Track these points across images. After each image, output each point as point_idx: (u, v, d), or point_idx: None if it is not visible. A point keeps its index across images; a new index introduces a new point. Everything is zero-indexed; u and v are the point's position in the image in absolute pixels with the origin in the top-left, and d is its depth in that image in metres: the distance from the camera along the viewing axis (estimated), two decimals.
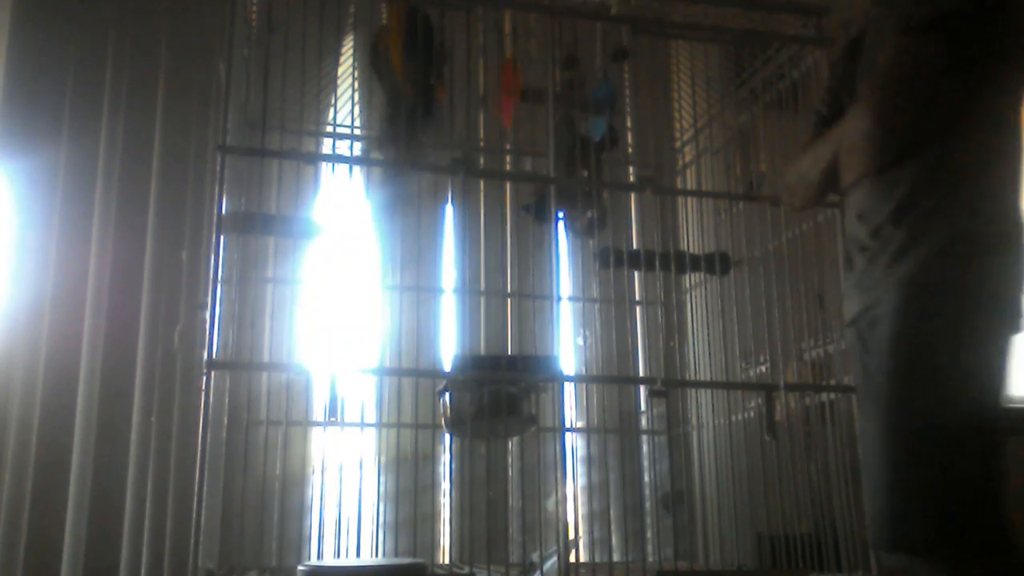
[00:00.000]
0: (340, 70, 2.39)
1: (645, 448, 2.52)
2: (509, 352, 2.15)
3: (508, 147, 2.54)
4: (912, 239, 1.54)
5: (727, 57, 2.52)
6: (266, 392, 2.07)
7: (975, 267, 1.49)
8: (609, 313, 2.34)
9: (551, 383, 2.10)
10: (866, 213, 1.62)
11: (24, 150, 2.44)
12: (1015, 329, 1.51)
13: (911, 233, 1.54)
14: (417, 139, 2.20)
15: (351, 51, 2.39)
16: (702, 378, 2.39)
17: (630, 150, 2.60)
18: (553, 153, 2.18)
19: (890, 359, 1.50)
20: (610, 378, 2.43)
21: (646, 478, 2.52)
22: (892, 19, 1.58)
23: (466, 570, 2.06)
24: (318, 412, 2.20)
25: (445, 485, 2.30)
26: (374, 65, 2.26)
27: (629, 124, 2.58)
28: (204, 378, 1.88)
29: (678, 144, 2.67)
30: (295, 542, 2.05)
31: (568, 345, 2.42)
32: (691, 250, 2.39)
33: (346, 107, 2.46)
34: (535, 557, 2.15)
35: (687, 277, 2.48)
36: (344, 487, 2.17)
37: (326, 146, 2.48)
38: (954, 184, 1.54)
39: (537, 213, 2.27)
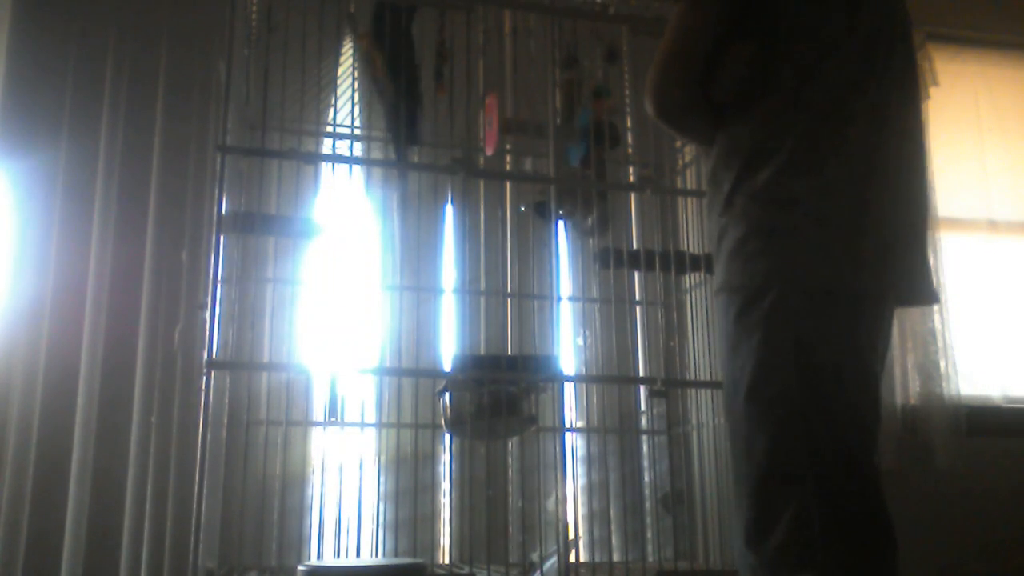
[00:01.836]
0: (340, 70, 2.39)
1: (645, 448, 2.52)
2: (509, 352, 2.15)
3: (508, 147, 2.54)
4: (721, 234, 1.40)
5: None
6: (266, 392, 2.07)
7: (772, 264, 1.33)
8: (609, 313, 2.33)
9: (551, 383, 2.10)
10: (706, 199, 1.51)
11: (24, 150, 2.44)
12: (856, 320, 1.34)
13: (721, 226, 1.41)
14: (414, 137, 2.20)
15: (351, 51, 2.39)
16: (702, 378, 2.39)
17: (630, 150, 2.60)
18: (553, 153, 2.19)
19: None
20: (610, 378, 2.43)
21: (646, 478, 2.52)
22: None
23: (466, 570, 2.06)
24: (318, 412, 2.20)
25: (445, 485, 2.30)
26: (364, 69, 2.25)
27: (629, 124, 2.58)
28: (204, 378, 1.88)
29: (678, 144, 2.67)
30: (295, 542, 2.05)
31: (568, 345, 2.42)
32: (691, 250, 2.39)
33: (346, 107, 2.46)
34: (535, 557, 2.15)
35: (687, 277, 2.48)
36: (344, 487, 2.17)
37: (326, 146, 2.48)
38: (749, 168, 1.37)
39: (538, 212, 2.27)
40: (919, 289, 1.44)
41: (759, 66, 1.40)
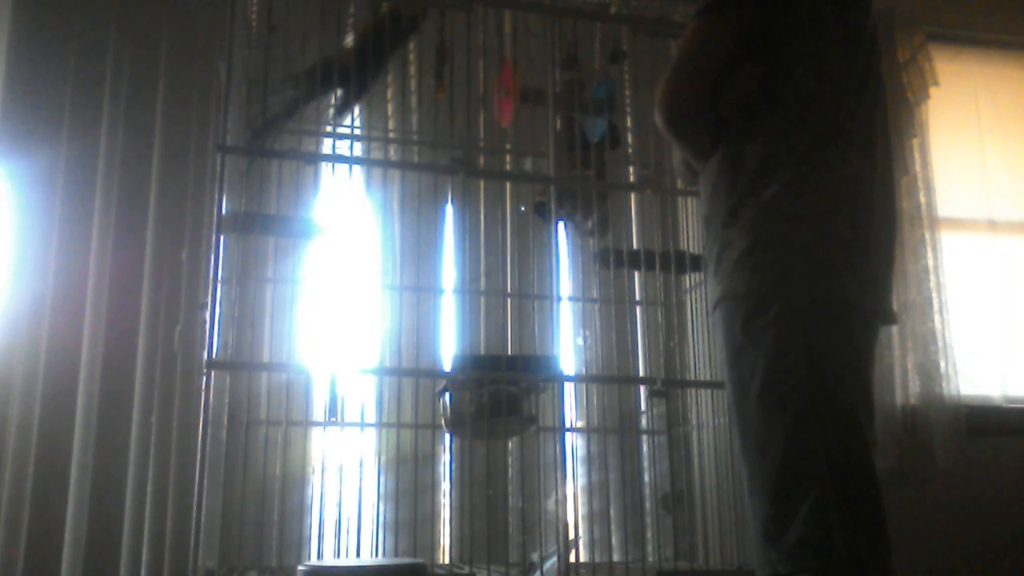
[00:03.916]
0: None
1: (645, 448, 2.52)
2: (509, 352, 2.15)
3: (508, 147, 2.54)
4: (724, 245, 1.45)
5: None
6: (266, 392, 2.07)
7: (779, 273, 1.39)
8: (609, 313, 2.33)
9: (551, 383, 2.10)
10: (701, 210, 1.56)
11: (24, 150, 2.44)
12: (853, 329, 1.40)
13: (724, 237, 1.45)
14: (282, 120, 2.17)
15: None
16: (702, 378, 2.39)
17: (630, 150, 2.60)
18: (553, 153, 2.18)
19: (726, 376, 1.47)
20: (610, 378, 2.43)
21: (646, 478, 2.52)
22: None
23: (466, 570, 2.06)
24: (318, 412, 2.20)
25: (445, 485, 2.30)
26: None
27: (629, 124, 2.58)
28: (204, 378, 1.88)
29: None
30: (295, 542, 2.05)
31: (568, 345, 2.42)
32: (691, 250, 2.39)
33: None
34: (535, 557, 2.15)
35: (687, 277, 2.48)
36: (344, 487, 2.17)
37: (326, 146, 2.48)
38: (756, 182, 1.42)
39: (538, 212, 2.27)
40: (888, 310, 1.51)
41: (764, 87, 1.46)
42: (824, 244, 1.40)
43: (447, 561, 2.27)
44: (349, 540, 2.10)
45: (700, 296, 2.45)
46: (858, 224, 1.43)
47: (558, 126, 2.26)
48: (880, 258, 1.48)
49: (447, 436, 2.22)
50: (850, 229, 1.42)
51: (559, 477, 2.02)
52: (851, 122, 1.47)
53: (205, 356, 1.89)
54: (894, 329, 2.85)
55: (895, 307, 1.57)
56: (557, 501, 2.02)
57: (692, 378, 2.45)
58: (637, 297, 2.59)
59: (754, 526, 1.40)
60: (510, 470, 2.30)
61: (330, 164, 2.18)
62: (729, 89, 1.47)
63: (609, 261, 2.26)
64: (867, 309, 1.44)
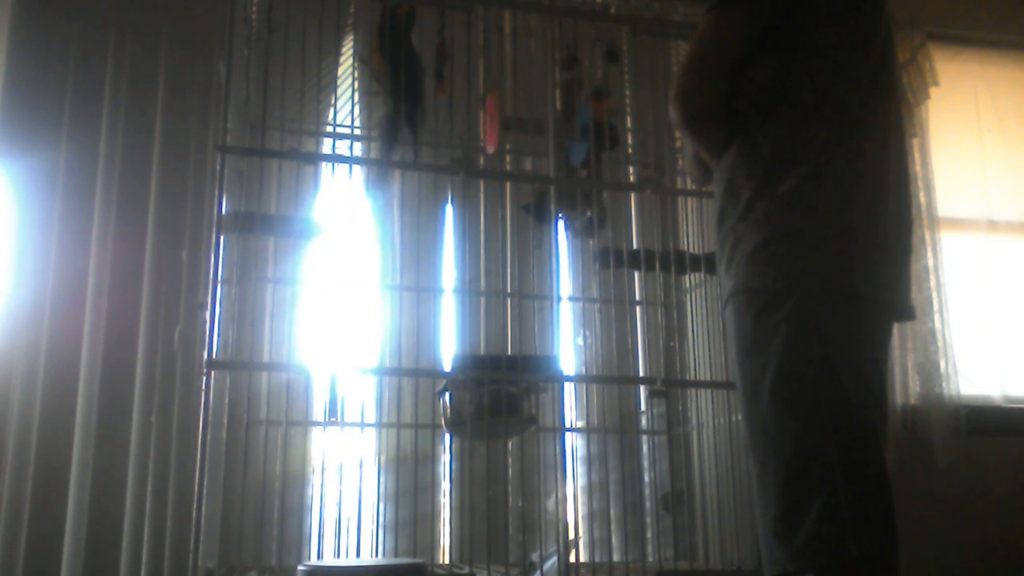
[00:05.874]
0: (340, 70, 2.39)
1: (645, 448, 2.52)
2: (509, 352, 2.15)
3: (508, 147, 2.54)
4: (738, 239, 1.43)
5: None
6: (266, 392, 2.07)
7: (794, 267, 1.37)
8: (609, 313, 2.33)
9: (551, 383, 2.10)
10: (715, 205, 1.53)
11: (24, 150, 2.44)
12: (868, 325, 1.39)
13: (737, 231, 1.43)
14: (415, 139, 2.19)
15: (351, 51, 2.39)
16: (702, 378, 2.39)
17: (630, 150, 2.60)
18: (553, 153, 2.19)
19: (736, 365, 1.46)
20: (610, 378, 2.43)
21: (646, 478, 2.52)
22: None
23: (466, 570, 2.06)
24: (318, 412, 2.20)
25: (445, 485, 2.30)
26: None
27: (629, 124, 2.58)
28: (204, 378, 1.88)
29: (678, 144, 2.67)
30: (295, 542, 2.05)
31: (568, 345, 2.42)
32: (691, 250, 2.39)
33: (346, 107, 2.46)
34: (535, 557, 2.15)
35: (687, 277, 2.48)
36: (344, 487, 2.17)
37: (326, 146, 2.48)
38: (771, 176, 1.41)
39: (536, 213, 2.27)
40: (904, 305, 1.49)
41: (780, 80, 1.45)
42: (840, 238, 1.39)
43: (447, 561, 2.27)
44: (349, 540, 2.10)
45: (700, 296, 2.45)
46: (873, 217, 1.41)
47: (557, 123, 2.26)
48: (897, 252, 1.45)
49: (447, 436, 2.22)
50: (865, 223, 1.40)
51: (559, 477, 2.02)
52: (866, 114, 1.45)
53: (205, 356, 1.89)
54: (895, 328, 2.85)
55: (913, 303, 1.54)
56: (557, 501, 2.02)
57: (692, 378, 2.45)
58: (637, 297, 2.59)
59: (763, 524, 1.38)
60: (510, 470, 2.30)
61: (330, 164, 2.19)
62: (745, 82, 1.46)
63: (609, 261, 2.26)
64: (883, 305, 1.42)
